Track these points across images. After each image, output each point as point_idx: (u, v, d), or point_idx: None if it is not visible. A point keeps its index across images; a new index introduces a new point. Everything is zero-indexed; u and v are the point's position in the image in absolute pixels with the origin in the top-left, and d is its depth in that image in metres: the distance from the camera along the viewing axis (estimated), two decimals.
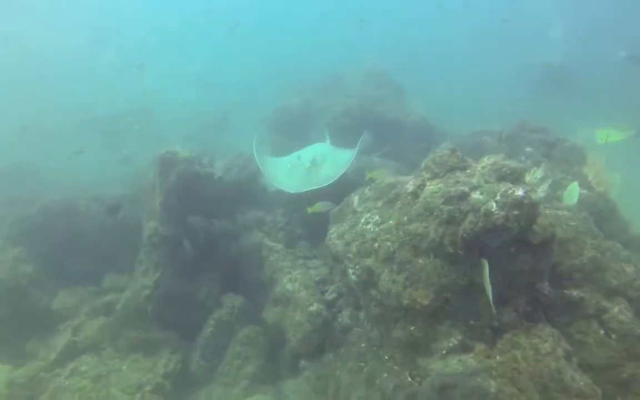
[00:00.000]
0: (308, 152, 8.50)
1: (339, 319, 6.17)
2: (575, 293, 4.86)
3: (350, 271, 5.50)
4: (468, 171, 5.07)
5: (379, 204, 5.83)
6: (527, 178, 5.06)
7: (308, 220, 7.67)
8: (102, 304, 7.12)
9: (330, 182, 7.23)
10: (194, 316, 6.94)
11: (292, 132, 13.53)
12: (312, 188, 7.26)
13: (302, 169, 7.78)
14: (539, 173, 5.09)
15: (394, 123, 11.85)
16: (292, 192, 7.29)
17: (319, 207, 6.78)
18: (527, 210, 4.33)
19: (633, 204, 7.77)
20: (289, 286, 6.28)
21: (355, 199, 6.28)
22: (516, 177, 4.82)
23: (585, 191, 6.89)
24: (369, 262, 5.33)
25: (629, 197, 7.70)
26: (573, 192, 6.26)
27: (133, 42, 29.85)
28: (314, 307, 5.89)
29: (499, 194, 4.49)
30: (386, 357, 5.57)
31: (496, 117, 12.01)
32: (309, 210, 6.82)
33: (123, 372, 6.20)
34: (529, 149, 8.15)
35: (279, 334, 6.73)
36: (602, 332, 4.69)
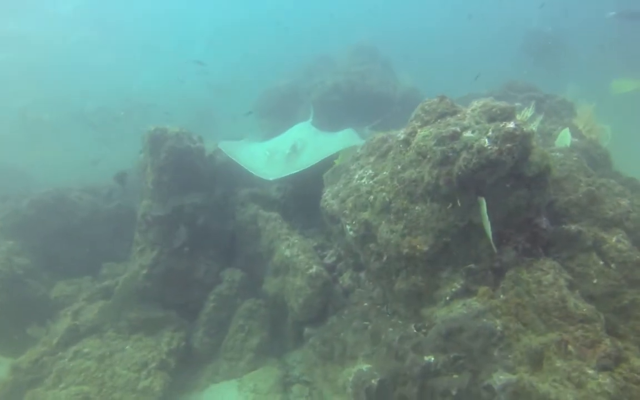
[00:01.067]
0: (288, 138, 8.23)
1: (340, 282, 6.16)
2: (573, 227, 4.85)
3: (348, 227, 5.47)
4: (458, 115, 5.04)
5: (372, 159, 5.81)
6: (518, 117, 5.05)
7: (302, 194, 7.63)
8: (100, 289, 7.03)
9: (311, 164, 6.96)
10: (194, 294, 6.92)
11: (281, 113, 13.51)
12: (292, 173, 7.05)
13: (281, 156, 7.41)
14: (528, 112, 5.08)
15: (382, 96, 11.85)
16: (271, 179, 7.03)
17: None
18: (520, 141, 4.32)
19: (624, 158, 7.81)
20: (287, 252, 6.24)
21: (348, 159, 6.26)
22: (506, 117, 4.79)
23: (576, 140, 6.90)
24: (365, 215, 5.31)
25: (620, 151, 7.73)
26: (565, 137, 6.28)
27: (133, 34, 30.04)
28: (313, 269, 5.85)
29: (490, 130, 4.49)
30: (390, 313, 5.58)
31: (483, 83, 12.01)
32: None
33: (127, 352, 6.16)
34: (518, 104, 8.13)
35: (280, 306, 6.70)
36: (601, 262, 4.68)
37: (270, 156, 7.47)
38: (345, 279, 6.11)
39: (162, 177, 6.59)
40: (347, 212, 5.53)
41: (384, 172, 5.33)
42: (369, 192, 5.33)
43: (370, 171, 5.56)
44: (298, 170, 7.05)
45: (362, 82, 12.16)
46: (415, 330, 5.04)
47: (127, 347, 6.23)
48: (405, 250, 4.90)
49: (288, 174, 7.01)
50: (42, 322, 6.56)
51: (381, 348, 5.18)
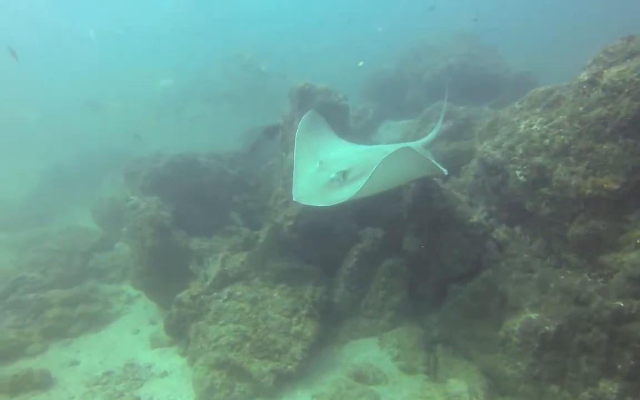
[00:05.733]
0: (357, 156, 5.91)
1: (494, 235, 6.01)
2: None
3: (518, 173, 5.33)
4: None
5: (537, 110, 5.67)
6: None
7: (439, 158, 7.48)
8: (241, 241, 7.25)
9: (339, 202, 5.01)
10: (332, 251, 6.94)
11: (386, 97, 13.53)
12: (317, 205, 5.17)
13: (325, 176, 5.44)
14: None
15: (495, 78, 11.68)
16: (294, 199, 5.30)
17: None
18: None
19: None
20: (440, 205, 6.15)
21: (505, 113, 6.15)
22: None
23: None
24: (539, 159, 5.15)
25: None
26: None
27: None
28: (474, 219, 5.74)
29: None
30: (556, 263, 5.37)
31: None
32: None
33: (275, 299, 6.25)
34: None
35: (419, 266, 6.59)
36: None
37: (317, 170, 5.66)
38: (500, 233, 5.95)
39: None
40: (516, 158, 5.40)
41: (561, 117, 5.17)
42: (544, 137, 5.18)
43: (540, 119, 5.42)
44: (325, 205, 5.12)
45: (475, 63, 12.09)
46: (589, 280, 4.83)
47: (275, 294, 6.33)
48: (588, 191, 4.71)
49: (312, 204, 5.20)
50: (200, 261, 6.81)
51: (552, 296, 4.99)
